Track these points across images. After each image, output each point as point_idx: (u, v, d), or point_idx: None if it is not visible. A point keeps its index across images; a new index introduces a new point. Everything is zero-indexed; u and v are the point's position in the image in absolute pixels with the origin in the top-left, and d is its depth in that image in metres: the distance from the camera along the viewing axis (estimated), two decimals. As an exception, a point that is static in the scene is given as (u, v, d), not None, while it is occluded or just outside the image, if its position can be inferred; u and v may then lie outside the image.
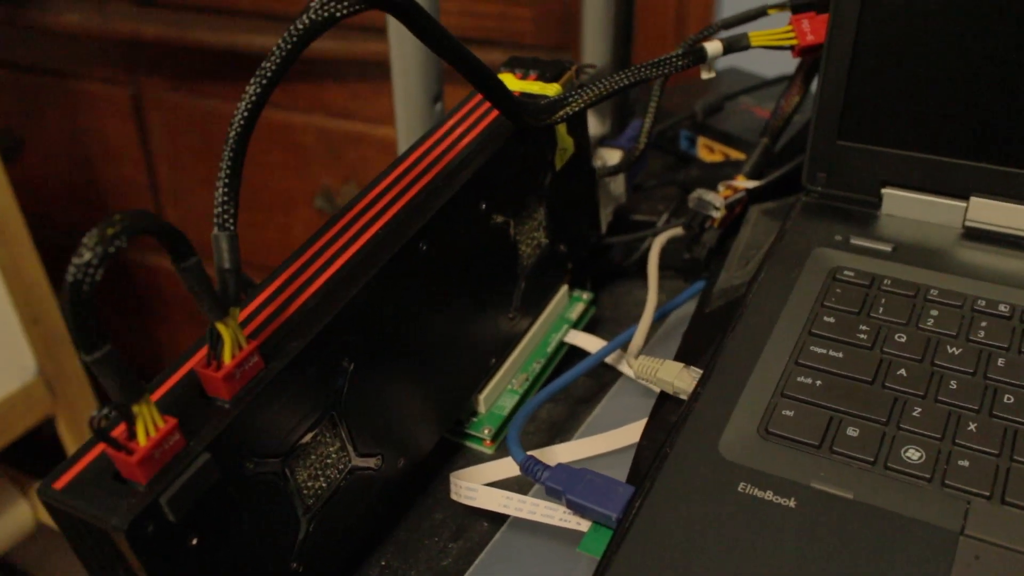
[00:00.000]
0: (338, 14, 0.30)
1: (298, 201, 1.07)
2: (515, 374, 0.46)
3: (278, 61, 0.30)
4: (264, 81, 0.29)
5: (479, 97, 0.44)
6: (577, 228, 0.49)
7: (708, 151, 0.62)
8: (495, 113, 0.43)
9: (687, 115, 0.62)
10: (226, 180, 0.29)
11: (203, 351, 0.32)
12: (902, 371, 0.36)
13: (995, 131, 0.41)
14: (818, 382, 0.36)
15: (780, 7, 0.47)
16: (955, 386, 0.35)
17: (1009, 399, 0.35)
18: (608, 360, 0.47)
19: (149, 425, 0.27)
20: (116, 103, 1.13)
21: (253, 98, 0.29)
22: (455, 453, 0.44)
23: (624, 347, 0.47)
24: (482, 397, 0.43)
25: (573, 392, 0.47)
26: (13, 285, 0.91)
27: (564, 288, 0.49)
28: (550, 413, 0.46)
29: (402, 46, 0.52)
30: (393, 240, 0.36)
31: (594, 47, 0.76)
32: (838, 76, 0.43)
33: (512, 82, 0.45)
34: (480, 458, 0.43)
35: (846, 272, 0.41)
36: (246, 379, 0.30)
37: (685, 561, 0.30)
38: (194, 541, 0.29)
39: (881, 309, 0.39)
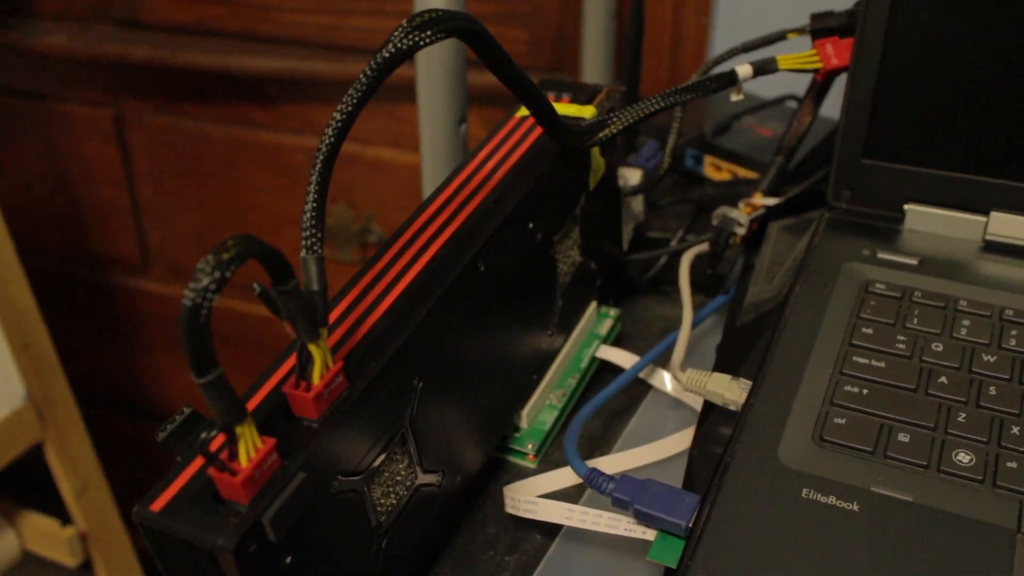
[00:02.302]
0: (421, 43, 0.31)
1: (288, 222, 1.07)
2: (552, 389, 0.47)
3: (363, 89, 0.30)
4: (350, 108, 0.30)
5: (515, 119, 0.45)
6: (605, 246, 0.50)
7: (715, 169, 0.64)
8: (534, 135, 0.44)
9: (696, 135, 0.63)
10: (313, 206, 0.30)
11: (281, 370, 0.32)
12: (943, 379, 0.38)
13: (1014, 149, 0.43)
14: (864, 391, 0.38)
15: (799, 31, 0.49)
16: (995, 392, 0.37)
17: (1047, 403, 0.36)
18: (639, 375, 0.48)
19: (250, 446, 0.28)
20: (97, 125, 1.12)
21: (338, 125, 0.30)
22: (498, 468, 0.45)
23: (657, 362, 0.48)
24: (524, 412, 0.44)
25: (606, 407, 0.48)
26: (3, 310, 0.90)
27: (594, 304, 0.50)
28: (586, 428, 0.47)
29: (429, 71, 0.53)
30: (454, 260, 0.37)
31: (594, 69, 0.78)
32: (863, 98, 0.45)
33: (547, 104, 0.46)
34: (523, 472, 0.44)
35: (878, 285, 0.43)
36: (332, 398, 0.31)
37: (758, 564, 0.32)
38: (288, 560, 0.29)
39: (915, 320, 0.41)
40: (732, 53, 0.52)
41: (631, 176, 0.54)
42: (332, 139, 0.30)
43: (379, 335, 0.33)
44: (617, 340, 0.52)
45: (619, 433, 0.46)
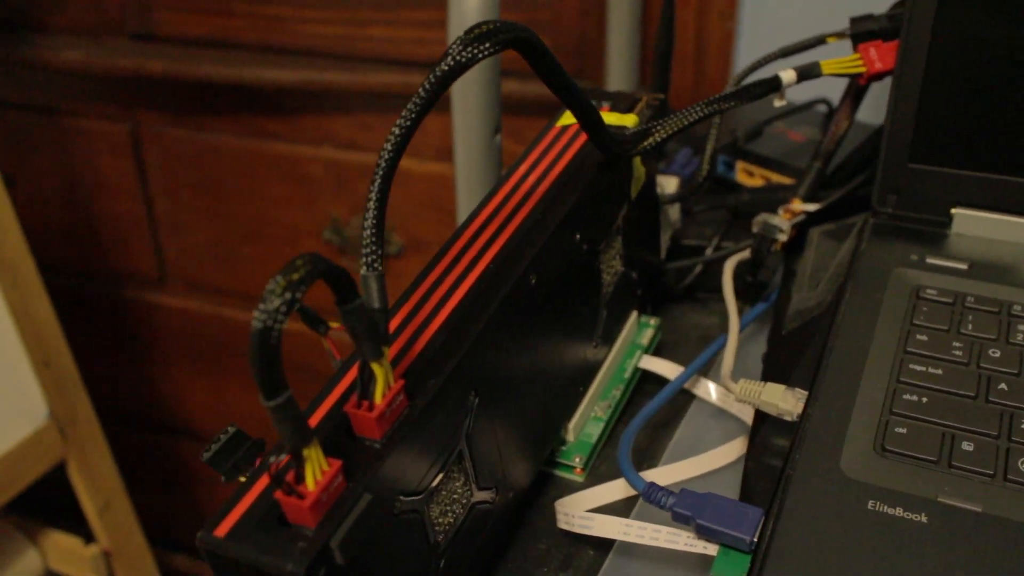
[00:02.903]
0: (480, 55, 0.30)
1: (306, 233, 1.07)
2: (597, 401, 0.46)
3: (422, 103, 0.30)
4: (408, 123, 0.30)
5: (556, 129, 0.45)
6: (645, 254, 0.50)
7: (747, 175, 0.63)
8: (577, 145, 0.43)
9: (728, 141, 0.63)
10: (373, 223, 0.30)
11: (341, 387, 0.32)
12: (1003, 385, 0.37)
13: (1065, 150, 0.43)
14: (924, 399, 0.37)
15: (839, 36, 0.48)
16: (1057, 398, 0.37)
17: (1111, 409, 0.36)
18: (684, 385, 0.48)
19: (317, 469, 0.27)
20: (113, 139, 1.11)
21: (398, 140, 0.30)
22: (545, 483, 0.44)
23: (699, 371, 0.48)
24: (571, 425, 0.44)
25: (650, 418, 0.47)
26: (24, 328, 0.90)
27: (635, 314, 0.49)
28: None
29: (463, 81, 0.52)
30: (506, 273, 0.36)
31: (618, 76, 0.78)
32: (909, 102, 0.44)
33: (588, 113, 0.46)
34: (571, 486, 0.44)
35: (929, 291, 0.42)
36: (394, 417, 0.30)
37: (829, 581, 0.31)
38: (354, 582, 0.29)
39: (970, 326, 0.40)
40: (770, 58, 0.51)
41: (667, 184, 0.53)
42: (391, 154, 0.30)
43: (436, 351, 0.33)
44: (657, 349, 0.51)
45: (665, 445, 0.46)
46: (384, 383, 0.30)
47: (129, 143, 1.11)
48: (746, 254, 0.51)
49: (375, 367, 0.29)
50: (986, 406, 0.37)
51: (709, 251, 0.57)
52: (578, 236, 0.41)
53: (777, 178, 0.62)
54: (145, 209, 1.16)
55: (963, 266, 0.44)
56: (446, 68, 0.30)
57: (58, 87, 1.11)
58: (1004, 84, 0.43)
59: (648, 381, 0.49)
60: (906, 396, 0.37)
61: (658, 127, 0.43)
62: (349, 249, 1.05)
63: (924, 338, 0.40)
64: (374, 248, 0.30)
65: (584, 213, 0.41)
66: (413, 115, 0.30)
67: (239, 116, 1.03)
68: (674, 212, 0.54)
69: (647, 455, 0.45)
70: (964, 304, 0.41)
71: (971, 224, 0.45)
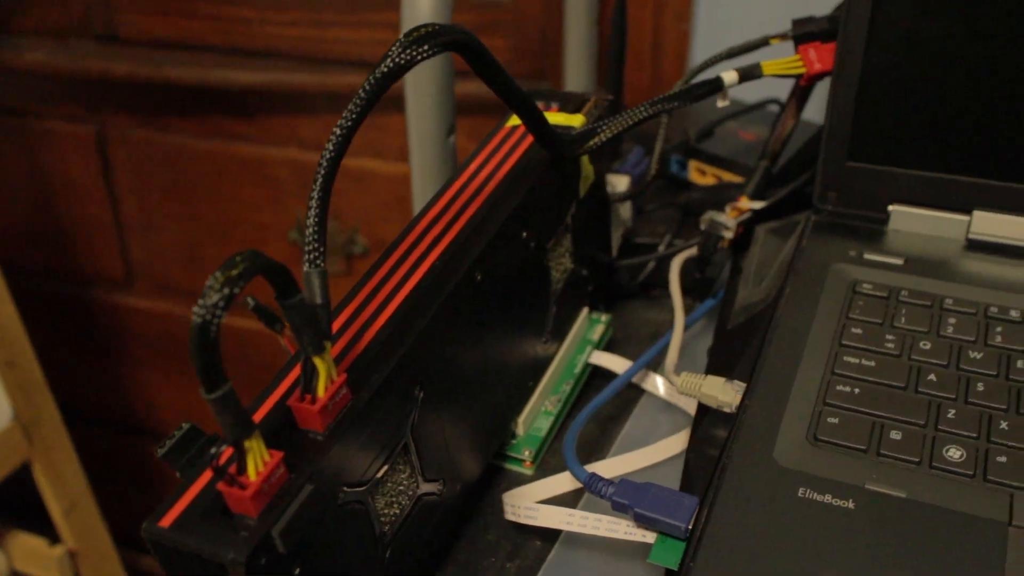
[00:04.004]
0: (419, 57, 0.31)
1: (273, 234, 1.07)
2: (548, 396, 0.47)
3: (361, 104, 0.31)
4: (349, 124, 0.31)
5: (506, 129, 0.46)
6: (595, 252, 0.51)
7: (700, 174, 0.65)
8: (525, 145, 0.44)
9: (680, 140, 0.64)
10: (315, 221, 0.30)
11: (286, 382, 0.33)
12: (932, 376, 0.39)
13: (996, 148, 0.44)
14: (856, 390, 0.39)
15: (782, 37, 0.50)
16: (983, 388, 0.38)
17: (1033, 398, 0.37)
18: (632, 379, 0.49)
19: (258, 460, 0.28)
20: (79, 140, 1.11)
21: (338, 141, 0.31)
22: (496, 475, 0.45)
23: (649, 366, 0.49)
24: (521, 419, 0.45)
25: (600, 412, 0.48)
26: (-13, 329, 0.90)
27: (585, 310, 0.50)
28: (582, 433, 0.47)
29: (417, 83, 0.53)
30: (451, 270, 0.37)
31: (576, 75, 0.79)
32: (846, 102, 0.45)
33: (536, 114, 0.47)
34: (521, 479, 0.45)
35: (865, 285, 0.44)
36: (337, 410, 0.31)
37: (758, 563, 0.32)
38: (297, 571, 0.30)
39: (903, 319, 0.42)
40: (716, 59, 0.53)
41: (619, 183, 0.55)
42: (332, 154, 0.31)
43: (380, 346, 0.34)
44: (608, 345, 0.52)
45: (614, 437, 0.47)
46: (327, 377, 0.30)
47: (95, 144, 1.11)
48: (694, 251, 0.52)
49: (317, 361, 0.30)
50: (915, 396, 0.38)
51: (661, 248, 0.58)
52: (525, 234, 0.42)
53: (729, 176, 0.63)
54: (112, 211, 1.16)
55: (899, 261, 0.45)
56: (385, 70, 0.31)
57: (23, 88, 1.11)
58: (938, 84, 0.44)
59: (599, 376, 0.50)
60: (839, 387, 0.39)
61: (603, 127, 0.44)
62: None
63: (859, 331, 0.41)
64: (316, 246, 0.31)
65: (531, 211, 0.42)
66: (353, 116, 0.31)
67: (205, 117, 1.04)
68: (625, 210, 0.55)
69: (596, 448, 0.46)
70: (898, 298, 0.43)
71: (907, 220, 0.47)
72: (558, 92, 0.48)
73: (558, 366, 0.48)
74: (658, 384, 0.49)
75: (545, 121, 0.40)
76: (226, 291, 0.25)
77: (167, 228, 1.13)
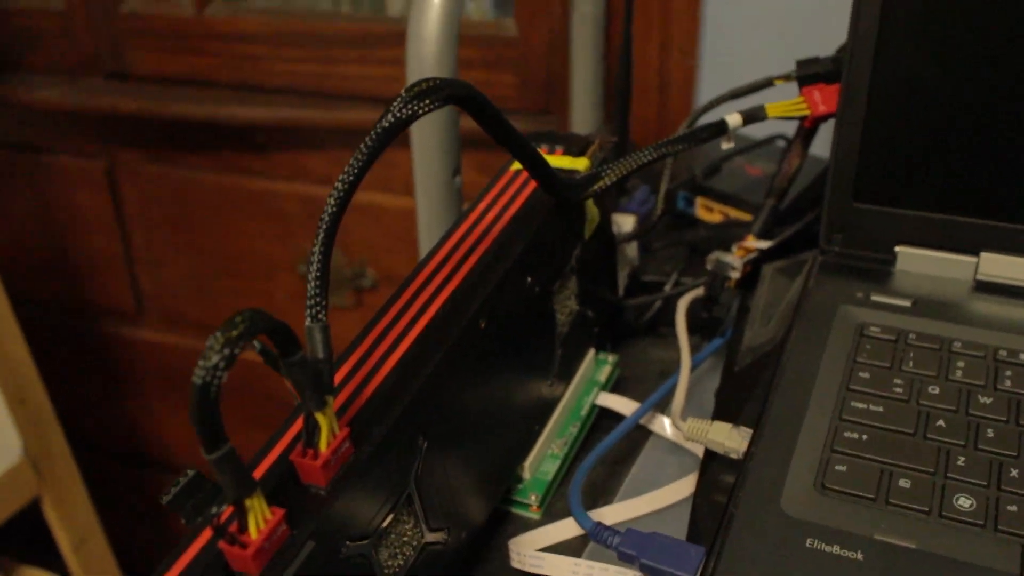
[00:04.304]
0: (421, 112, 0.31)
1: (281, 268, 1.07)
2: (554, 439, 0.47)
3: (363, 160, 0.31)
4: (351, 179, 0.31)
5: (510, 173, 0.46)
6: (601, 293, 0.51)
7: (707, 211, 0.64)
8: (530, 188, 0.44)
9: (687, 177, 0.64)
10: (317, 275, 0.30)
11: (289, 435, 0.33)
12: (941, 422, 0.38)
13: (1003, 190, 0.44)
14: (864, 436, 0.38)
15: (786, 78, 0.50)
16: (992, 434, 0.38)
17: (1044, 444, 0.37)
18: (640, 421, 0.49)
19: (259, 518, 0.28)
20: (89, 176, 1.12)
21: (340, 195, 0.31)
22: (502, 521, 0.45)
23: (656, 407, 0.48)
24: (527, 464, 0.45)
25: (607, 454, 0.48)
26: (-1, 366, 0.90)
27: (592, 351, 0.50)
28: (589, 476, 0.47)
29: (422, 125, 0.54)
30: (455, 319, 0.37)
31: (583, 111, 0.79)
32: (851, 143, 0.45)
33: (541, 157, 0.47)
34: (527, 524, 0.44)
35: (872, 328, 0.43)
36: (339, 464, 0.31)
37: (767, 619, 0.32)
38: (299, 628, 0.29)
39: (911, 363, 0.41)
40: (720, 100, 0.53)
41: (625, 222, 0.55)
42: (335, 208, 0.31)
43: (383, 397, 0.34)
44: (616, 385, 0.52)
45: (621, 480, 0.47)
46: (328, 432, 0.30)
47: (105, 180, 1.12)
48: (701, 291, 0.52)
49: (319, 417, 0.30)
50: (924, 443, 0.38)
51: (668, 287, 0.58)
52: (530, 279, 0.42)
53: (736, 213, 0.63)
54: (122, 244, 1.16)
55: (906, 303, 0.45)
56: (387, 124, 0.31)
57: (35, 125, 1.12)
58: (943, 125, 0.44)
59: (606, 417, 0.50)
60: (847, 433, 0.38)
61: (607, 171, 0.44)
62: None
63: (866, 375, 0.41)
64: (319, 300, 0.31)
65: (536, 257, 0.42)
66: (356, 171, 0.31)
67: (214, 152, 1.04)
68: (631, 250, 0.55)
69: (603, 491, 0.46)
70: (906, 341, 0.42)
71: (915, 262, 0.47)
72: (562, 135, 0.48)
73: (564, 408, 0.47)
74: (665, 426, 0.48)
75: (549, 168, 0.40)
76: (227, 352, 0.25)
77: (176, 262, 1.13)
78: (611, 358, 0.51)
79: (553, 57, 0.85)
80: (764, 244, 0.52)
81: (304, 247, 1.06)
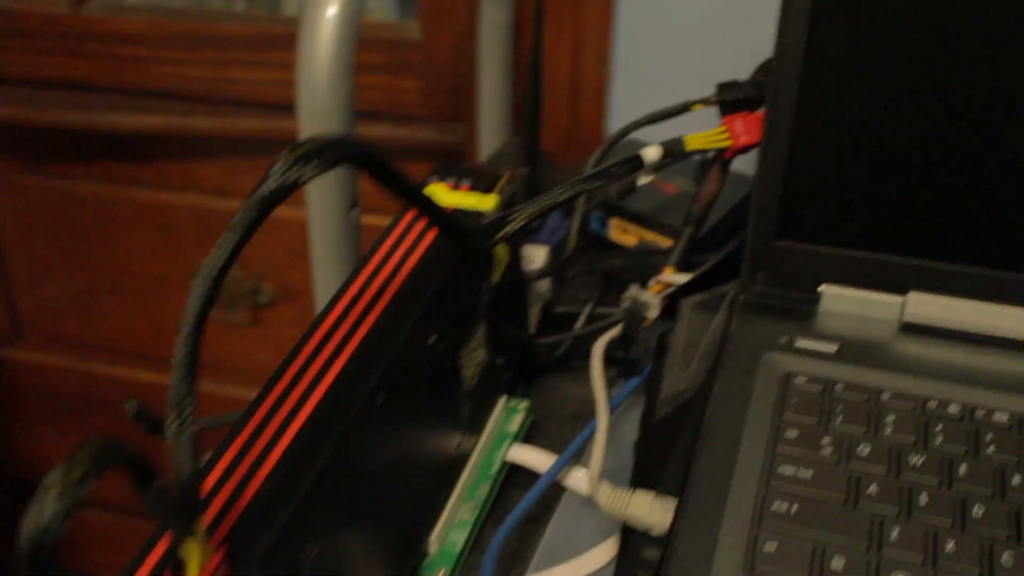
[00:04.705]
0: (306, 177, 0.27)
1: (172, 285, 1.01)
2: (463, 502, 0.43)
3: (237, 237, 0.27)
4: (220, 264, 0.27)
5: (410, 216, 0.42)
6: (512, 334, 0.47)
7: (622, 232, 0.62)
8: (432, 234, 0.41)
9: (601, 197, 0.61)
10: (184, 369, 0.26)
11: (151, 559, 0.28)
12: (873, 488, 0.36)
13: (930, 228, 0.42)
14: (794, 507, 0.36)
15: (704, 102, 0.47)
16: (925, 501, 0.35)
17: (978, 511, 0.35)
18: (554, 474, 0.45)
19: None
20: (-42, 187, 1.04)
21: (208, 285, 0.27)
22: (409, 598, 0.41)
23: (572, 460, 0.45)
24: (433, 537, 0.41)
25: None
26: None
27: (503, 399, 0.47)
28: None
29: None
30: (348, 398, 0.33)
31: (491, 118, 0.76)
32: (774, 178, 0.43)
33: (446, 194, 0.43)
34: (438, 600, 0.41)
35: (798, 378, 0.41)
36: (214, 592, 0.27)
37: None
38: None
39: (839, 418, 0.39)
40: (636, 125, 0.50)
41: (536, 255, 0.51)
42: (202, 300, 0.26)
43: (265, 503, 0.30)
44: (529, 430, 0.49)
45: (535, 545, 0.43)
46: (198, 562, 0.26)
47: (-23, 190, 1.04)
48: (617, 331, 0.49)
49: (185, 553, 0.26)
50: (855, 513, 0.35)
51: (581, 320, 0.55)
52: (433, 337, 0.38)
53: (652, 236, 0.60)
54: (-3, 260, 1.08)
55: (832, 348, 0.42)
56: (267, 193, 0.27)
57: None
58: (870, 161, 0.42)
59: (519, 470, 0.47)
60: (775, 505, 0.36)
61: (516, 214, 0.41)
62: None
63: (794, 434, 0.39)
64: (186, 400, 0.27)
65: (439, 311, 0.38)
66: (227, 253, 0.27)
67: (97, 162, 0.97)
68: (543, 285, 0.52)
69: (517, 559, 0.43)
70: (833, 393, 0.40)
71: (839, 302, 0.44)
72: (468, 168, 0.45)
73: (473, 467, 0.44)
74: (581, 480, 0.45)
75: (452, 220, 0.36)
76: (67, 499, 0.21)
77: (58, 279, 1.06)
78: (523, 404, 0.48)
79: (460, 62, 0.81)
80: (682, 278, 0.49)
81: (195, 262, 1.00)
